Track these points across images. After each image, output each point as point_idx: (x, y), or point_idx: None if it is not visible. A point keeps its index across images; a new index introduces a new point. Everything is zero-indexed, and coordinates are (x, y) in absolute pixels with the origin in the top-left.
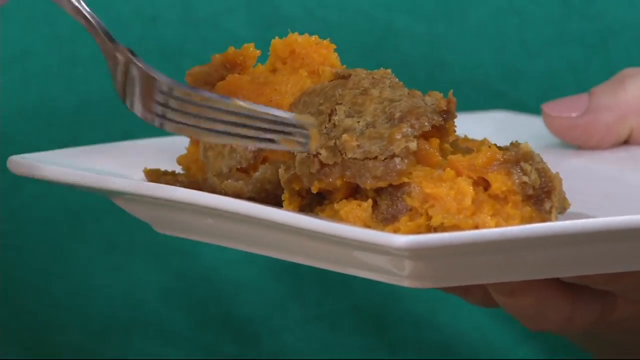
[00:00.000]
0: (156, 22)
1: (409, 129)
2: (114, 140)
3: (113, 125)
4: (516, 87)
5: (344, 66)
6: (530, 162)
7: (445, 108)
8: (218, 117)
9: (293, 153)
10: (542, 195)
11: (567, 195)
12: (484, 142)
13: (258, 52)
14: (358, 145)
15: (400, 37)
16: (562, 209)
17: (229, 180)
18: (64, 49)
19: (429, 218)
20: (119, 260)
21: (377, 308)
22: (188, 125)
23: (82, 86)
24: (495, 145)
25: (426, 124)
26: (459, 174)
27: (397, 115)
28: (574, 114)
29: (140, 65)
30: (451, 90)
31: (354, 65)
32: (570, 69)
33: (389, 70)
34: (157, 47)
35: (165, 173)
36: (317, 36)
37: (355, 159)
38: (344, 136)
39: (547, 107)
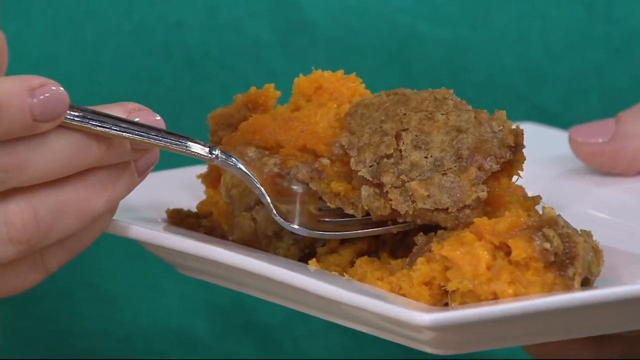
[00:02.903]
0: (180, 27)
1: (479, 173)
2: None
3: None
4: (540, 91)
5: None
6: (554, 227)
7: (513, 144)
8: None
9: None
10: (566, 261)
11: (594, 230)
12: (535, 200)
13: (278, 92)
14: (428, 196)
15: (424, 41)
16: (590, 273)
17: (261, 206)
18: (87, 55)
19: (445, 268)
20: (142, 267)
21: None
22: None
23: (105, 91)
24: (529, 202)
25: (494, 165)
26: (480, 238)
27: (465, 153)
28: (600, 140)
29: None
30: (519, 125)
31: (378, 70)
32: (594, 72)
33: (451, 91)
34: (182, 52)
35: (188, 215)
36: (342, 71)
37: (426, 209)
38: (414, 184)
39: (573, 132)
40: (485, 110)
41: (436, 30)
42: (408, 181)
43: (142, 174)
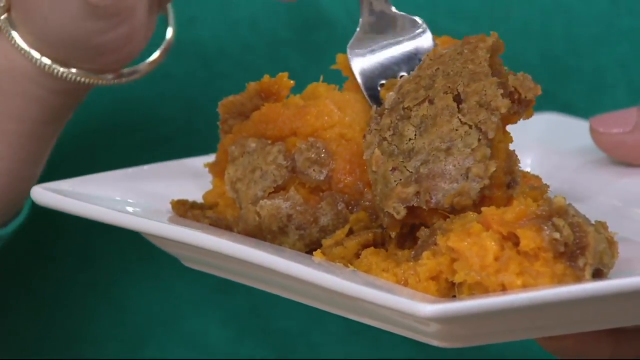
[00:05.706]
0: (194, 23)
1: (414, 190)
2: (150, 144)
3: (149, 130)
4: (565, 87)
5: None
6: (564, 216)
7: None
8: None
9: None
10: (576, 251)
11: (616, 221)
12: (542, 190)
13: (292, 82)
14: (374, 170)
15: None
16: (602, 265)
17: (265, 201)
18: None
19: (452, 261)
20: (154, 270)
21: None
22: None
23: (116, 89)
24: (536, 192)
25: (430, 200)
26: (487, 228)
27: (431, 164)
28: (622, 130)
29: None
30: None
31: None
32: (620, 66)
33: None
34: (195, 49)
35: (193, 206)
36: None
37: (365, 175)
38: (377, 150)
39: (594, 122)
40: (511, 150)
41: (456, 26)
42: (380, 142)
43: None
